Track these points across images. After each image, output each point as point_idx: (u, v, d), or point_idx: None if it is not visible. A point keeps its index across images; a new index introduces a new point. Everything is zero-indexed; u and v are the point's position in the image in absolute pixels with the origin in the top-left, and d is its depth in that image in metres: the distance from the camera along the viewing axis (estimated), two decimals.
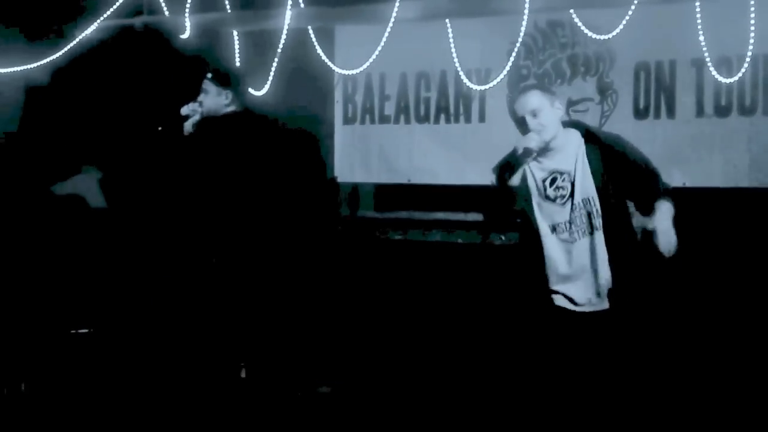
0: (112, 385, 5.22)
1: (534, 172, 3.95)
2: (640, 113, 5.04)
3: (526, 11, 4.43)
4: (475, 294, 5.34)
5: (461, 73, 5.00)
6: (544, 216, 3.94)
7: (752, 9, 4.17)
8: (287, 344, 5.36)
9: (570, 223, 3.89)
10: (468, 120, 5.53)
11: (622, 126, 5.02)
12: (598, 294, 3.85)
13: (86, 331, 5.86)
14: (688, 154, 4.90)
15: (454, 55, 4.96)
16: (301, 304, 5.68)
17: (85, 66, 5.96)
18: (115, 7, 5.35)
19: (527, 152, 3.83)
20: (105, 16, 5.40)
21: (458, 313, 5.41)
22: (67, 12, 5.91)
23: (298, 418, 4.84)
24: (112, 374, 5.37)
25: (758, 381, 4.63)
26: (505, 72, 4.87)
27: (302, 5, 5.04)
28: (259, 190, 5.14)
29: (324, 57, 5.21)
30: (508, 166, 3.87)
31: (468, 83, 5.18)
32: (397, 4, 4.70)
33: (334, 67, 5.38)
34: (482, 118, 5.48)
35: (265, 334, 5.36)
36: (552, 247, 3.92)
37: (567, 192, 3.91)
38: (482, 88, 5.22)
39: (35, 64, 5.50)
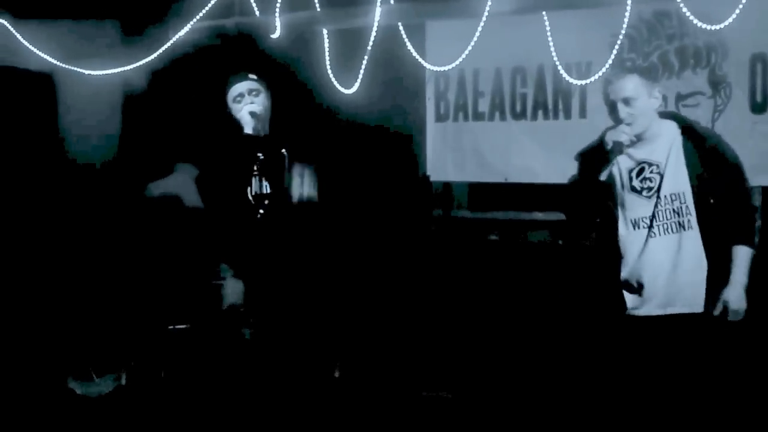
0: (209, 381, 5.25)
1: (619, 161, 3.74)
2: (756, 107, 4.74)
3: (629, 1, 4.19)
4: (578, 297, 5.15)
5: (560, 67, 4.78)
6: (625, 209, 3.76)
7: None
8: (381, 345, 5.31)
9: (652, 219, 3.67)
10: (568, 116, 5.34)
11: (738, 121, 4.78)
12: (670, 297, 3.66)
13: (184, 327, 5.93)
14: None
15: (552, 48, 4.74)
16: (396, 304, 5.62)
17: (178, 65, 5.99)
18: (207, 8, 5.33)
19: (617, 147, 3.65)
20: (198, 17, 5.37)
21: (557, 316, 5.24)
22: (161, 11, 5.94)
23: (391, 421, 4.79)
24: (210, 369, 5.40)
25: None
26: (607, 65, 4.64)
27: (392, 2, 4.92)
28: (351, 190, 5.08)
29: (415, 53, 5.07)
30: (595, 159, 3.70)
31: (567, 78, 4.96)
32: None
33: (425, 64, 5.23)
34: (583, 114, 5.29)
35: (359, 335, 5.33)
36: (628, 243, 3.73)
37: (654, 185, 3.69)
38: (583, 82, 4.98)
39: (130, 66, 5.52)
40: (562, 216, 5.28)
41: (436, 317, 5.66)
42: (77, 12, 5.97)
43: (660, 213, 3.67)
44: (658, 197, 3.67)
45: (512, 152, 5.53)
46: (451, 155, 5.80)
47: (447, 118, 5.80)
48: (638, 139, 3.69)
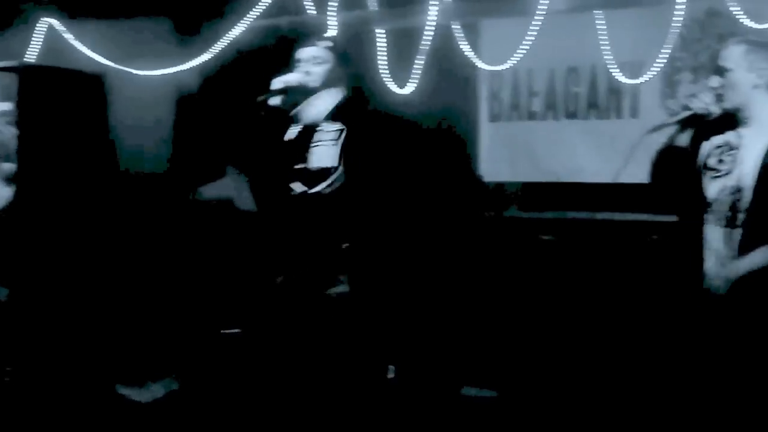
0: (262, 385, 5.26)
1: (711, 135, 3.33)
2: None
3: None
4: (630, 296, 5.14)
5: (612, 66, 4.80)
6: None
7: None
8: (433, 346, 5.29)
9: (709, 205, 3.27)
10: (619, 116, 5.34)
11: None
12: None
13: (236, 331, 5.94)
14: None
15: (605, 48, 4.77)
16: (447, 304, 5.59)
17: (229, 66, 6.02)
18: (261, 6, 5.37)
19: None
20: (251, 15, 5.41)
21: (612, 314, 5.22)
22: (215, 10, 5.97)
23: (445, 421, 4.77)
24: (262, 374, 5.42)
25: None
26: (658, 65, 4.65)
27: (448, 0, 4.95)
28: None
29: (469, 53, 5.11)
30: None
31: (619, 77, 4.98)
32: None
33: (479, 64, 5.27)
34: (634, 114, 5.29)
35: (411, 335, 5.30)
36: None
37: (724, 170, 3.27)
38: (635, 82, 5.02)
39: (182, 67, 5.57)
40: (612, 215, 5.38)
41: (485, 315, 5.65)
42: (129, 10, 5.93)
43: (717, 203, 3.25)
44: (722, 186, 3.24)
45: (564, 152, 5.54)
46: (504, 155, 5.82)
47: (500, 118, 5.83)
48: (735, 116, 3.26)
